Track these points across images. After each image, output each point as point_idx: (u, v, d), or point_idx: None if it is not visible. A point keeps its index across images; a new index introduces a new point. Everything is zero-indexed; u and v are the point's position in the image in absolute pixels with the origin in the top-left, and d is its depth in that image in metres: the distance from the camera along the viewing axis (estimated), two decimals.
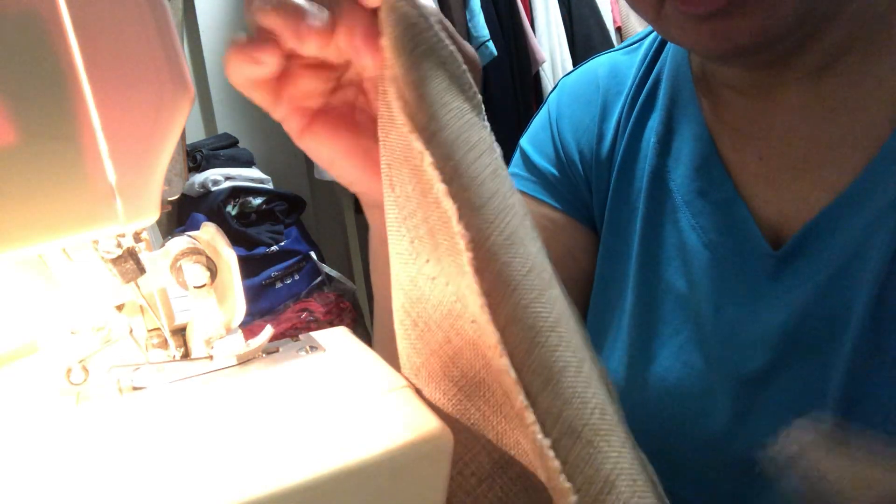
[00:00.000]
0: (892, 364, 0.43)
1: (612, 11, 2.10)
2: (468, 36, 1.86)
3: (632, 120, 0.56)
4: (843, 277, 0.44)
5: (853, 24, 0.45)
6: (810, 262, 0.46)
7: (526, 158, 0.61)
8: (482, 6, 1.86)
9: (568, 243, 0.58)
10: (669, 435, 0.51)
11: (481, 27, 1.84)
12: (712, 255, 0.50)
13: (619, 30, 2.12)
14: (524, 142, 0.63)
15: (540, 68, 1.97)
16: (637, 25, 2.09)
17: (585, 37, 2.02)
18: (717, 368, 0.49)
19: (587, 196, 0.58)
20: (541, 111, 0.64)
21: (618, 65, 0.60)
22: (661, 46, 0.58)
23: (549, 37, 1.99)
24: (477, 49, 1.85)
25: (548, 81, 1.98)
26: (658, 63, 0.57)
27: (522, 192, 0.59)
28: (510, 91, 1.92)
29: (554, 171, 0.59)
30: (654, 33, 0.58)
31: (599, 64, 0.61)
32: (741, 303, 0.48)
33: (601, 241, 0.57)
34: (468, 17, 1.86)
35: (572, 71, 0.64)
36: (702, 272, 0.50)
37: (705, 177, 0.51)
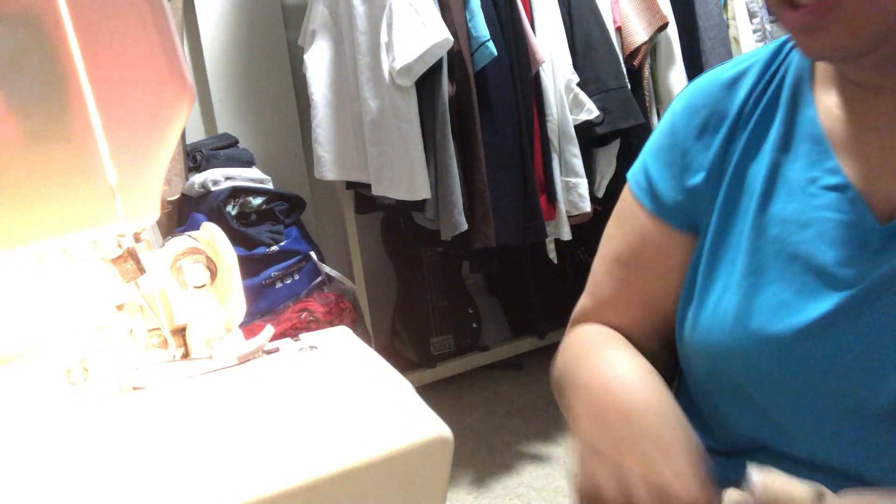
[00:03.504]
0: None
1: (612, 11, 2.09)
2: (468, 36, 1.86)
3: (752, 121, 0.64)
4: None
5: None
6: None
7: (646, 171, 0.70)
8: (482, 6, 1.86)
9: (671, 251, 0.68)
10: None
11: (481, 27, 1.84)
12: (819, 229, 0.58)
13: (619, 30, 2.12)
14: (647, 154, 0.71)
15: (540, 68, 1.96)
16: (638, 26, 2.08)
17: (585, 37, 2.02)
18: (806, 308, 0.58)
19: (697, 207, 0.67)
20: (659, 127, 0.71)
21: (732, 79, 0.67)
22: (779, 65, 0.66)
23: (549, 37, 1.99)
24: (477, 49, 1.85)
25: (548, 81, 1.98)
26: (776, 77, 0.66)
27: (639, 202, 0.69)
28: (510, 91, 1.91)
29: (669, 189, 0.68)
30: (768, 52, 0.67)
31: (712, 78, 0.69)
32: (844, 265, 0.57)
33: (713, 219, 0.65)
34: (468, 17, 1.86)
35: (690, 84, 0.72)
36: (810, 242, 0.58)
37: (819, 168, 0.60)
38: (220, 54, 2.21)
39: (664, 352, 0.71)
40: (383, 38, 1.79)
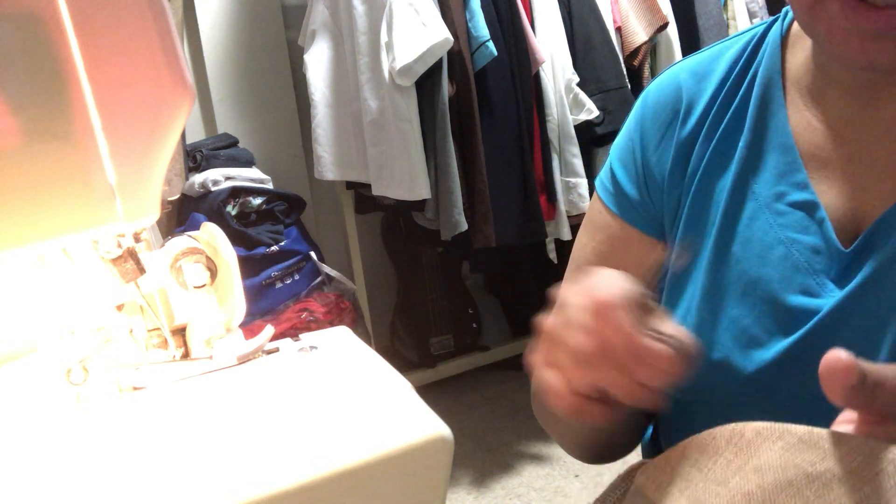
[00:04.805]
0: None
1: (612, 11, 2.09)
2: (468, 36, 1.86)
3: (720, 130, 0.59)
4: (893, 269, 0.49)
5: None
6: (872, 258, 0.51)
7: (612, 174, 0.67)
8: (482, 6, 1.86)
9: (640, 256, 0.65)
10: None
11: (481, 27, 1.84)
12: (783, 252, 0.54)
13: (619, 30, 2.12)
14: (612, 156, 0.68)
15: (540, 68, 1.96)
16: (638, 26, 2.08)
17: (585, 37, 2.02)
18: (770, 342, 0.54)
19: (661, 210, 0.64)
20: (626, 123, 0.68)
21: (702, 70, 0.63)
22: (751, 59, 0.60)
23: (549, 37, 1.99)
24: (477, 49, 1.85)
25: (548, 81, 1.98)
26: (748, 74, 0.60)
27: (607, 207, 0.66)
28: (510, 91, 1.91)
29: (634, 191, 0.64)
30: (742, 43, 0.61)
31: (681, 70, 0.65)
32: (805, 295, 0.53)
33: (679, 232, 0.62)
34: (468, 17, 1.86)
35: (654, 79, 0.68)
36: (773, 265, 0.55)
37: (787, 182, 0.56)
38: (220, 54, 2.21)
39: None
40: (383, 38, 1.79)
